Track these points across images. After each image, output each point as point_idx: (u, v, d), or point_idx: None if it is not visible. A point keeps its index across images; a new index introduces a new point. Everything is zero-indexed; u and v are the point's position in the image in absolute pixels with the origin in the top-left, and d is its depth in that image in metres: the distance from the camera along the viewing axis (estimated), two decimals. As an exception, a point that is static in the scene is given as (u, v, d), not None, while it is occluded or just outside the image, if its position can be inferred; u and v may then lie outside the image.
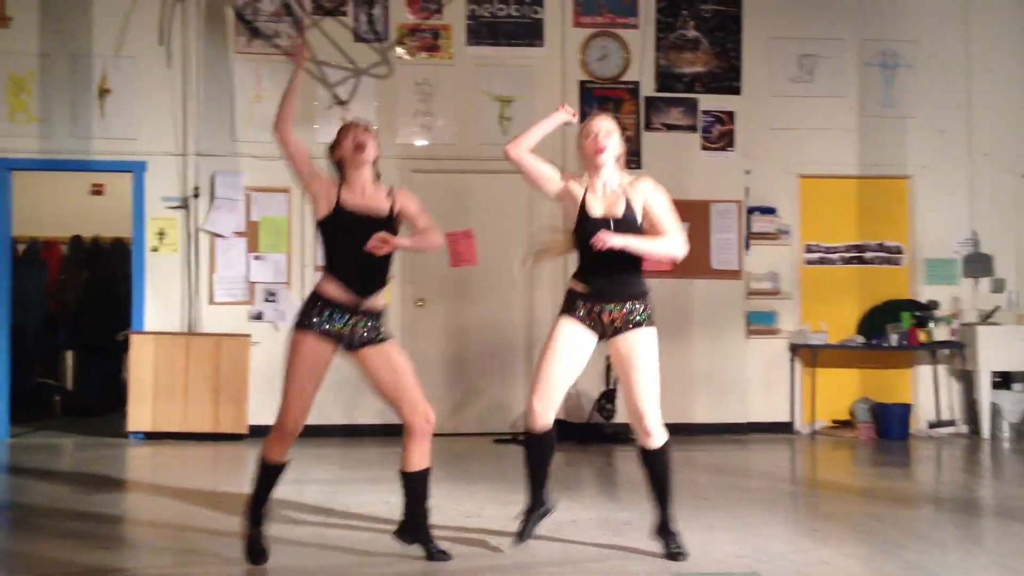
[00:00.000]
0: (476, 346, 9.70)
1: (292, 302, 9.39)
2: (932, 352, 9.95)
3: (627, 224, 4.86)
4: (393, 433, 9.20)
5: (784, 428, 9.91)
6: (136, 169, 9.48)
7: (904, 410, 9.74)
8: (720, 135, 9.95)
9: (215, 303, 9.43)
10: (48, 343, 11.60)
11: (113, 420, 9.80)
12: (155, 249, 9.45)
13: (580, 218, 4.89)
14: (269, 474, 4.88)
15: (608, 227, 4.80)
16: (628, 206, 4.89)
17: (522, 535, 5.00)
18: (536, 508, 5.06)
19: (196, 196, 9.47)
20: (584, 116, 9.52)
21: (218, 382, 9.14)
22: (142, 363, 9.13)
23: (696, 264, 9.70)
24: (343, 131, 4.96)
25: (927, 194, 10.19)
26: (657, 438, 4.91)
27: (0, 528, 5.89)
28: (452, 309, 9.74)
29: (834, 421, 10.02)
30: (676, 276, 9.68)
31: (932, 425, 9.92)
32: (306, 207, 9.27)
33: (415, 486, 4.93)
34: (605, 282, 4.88)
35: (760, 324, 9.92)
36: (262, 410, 9.25)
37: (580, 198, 4.91)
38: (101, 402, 11.36)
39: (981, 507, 6.53)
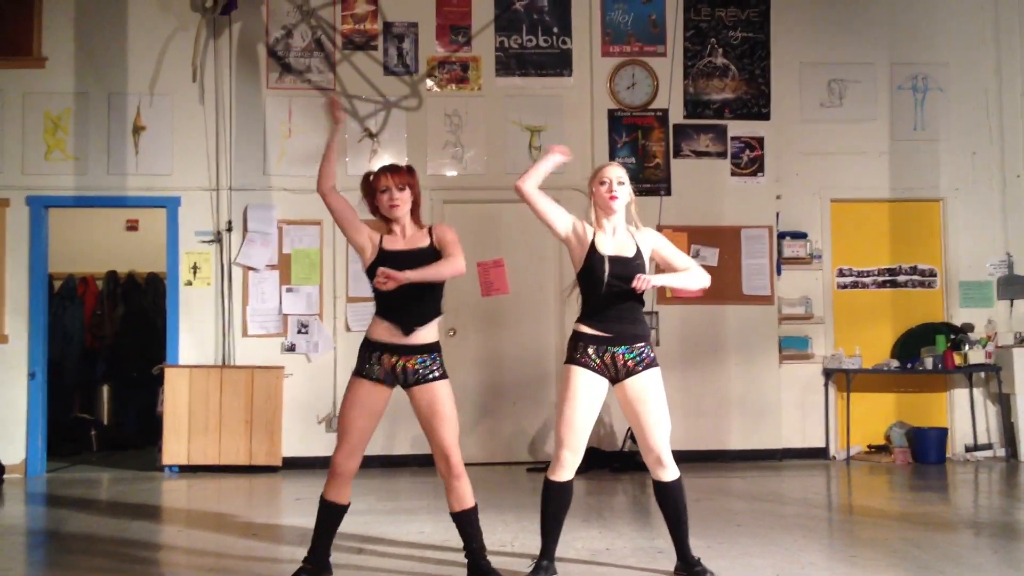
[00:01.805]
0: (508, 375, 9.71)
1: (324, 334, 9.46)
2: (968, 375, 9.87)
3: (636, 265, 4.92)
4: (429, 463, 9.27)
5: (819, 454, 9.85)
6: (170, 204, 9.60)
7: (940, 434, 9.65)
8: (750, 161, 9.95)
9: (248, 336, 9.50)
10: (85, 377, 11.73)
11: (149, 453, 9.88)
12: (189, 283, 9.55)
13: (590, 258, 4.93)
14: (322, 510, 4.95)
15: (621, 265, 4.87)
16: (637, 249, 4.97)
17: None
18: (550, 559, 5.01)
19: (229, 230, 9.57)
20: (612, 144, 9.76)
21: (252, 414, 9.20)
22: (177, 396, 9.21)
23: (727, 290, 9.71)
24: (377, 180, 4.98)
25: (960, 216, 10.15)
26: (672, 470, 5.01)
27: (39, 561, 5.94)
28: (484, 338, 9.76)
29: (869, 446, 9.94)
30: (708, 302, 9.69)
31: (969, 449, 9.82)
32: (338, 239, 9.37)
33: (460, 526, 4.99)
34: (618, 324, 4.92)
35: (793, 349, 9.88)
36: (296, 442, 9.35)
37: (590, 240, 4.97)
38: (137, 435, 11.48)
39: (1020, 531, 6.44)
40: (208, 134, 9.65)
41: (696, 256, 9.67)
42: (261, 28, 9.72)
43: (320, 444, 9.31)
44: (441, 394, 4.90)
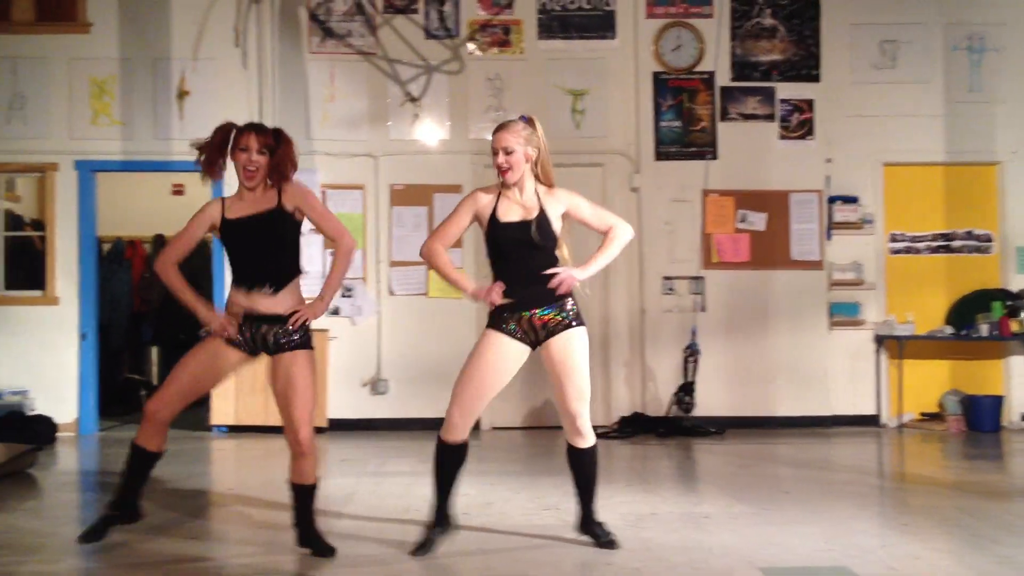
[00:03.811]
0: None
1: (368, 297, 9.47)
2: (1024, 342, 9.68)
3: (543, 225, 4.74)
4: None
5: (870, 421, 9.70)
6: (215, 169, 9.59)
7: (995, 402, 9.48)
8: (799, 123, 9.77)
9: (293, 299, 9.50)
10: (134, 339, 11.87)
11: (197, 414, 9.93)
12: (234, 247, 9.54)
13: (492, 226, 4.76)
14: (132, 455, 4.86)
15: (525, 229, 4.71)
16: (541, 211, 4.77)
17: (422, 548, 4.81)
18: (442, 524, 4.91)
19: (273, 194, 9.55)
20: (657, 107, 9.64)
21: (297, 377, 9.20)
22: (223, 359, 9.24)
23: (776, 255, 9.60)
24: (239, 137, 4.78)
25: (1017, 180, 9.90)
26: (588, 438, 4.88)
27: (90, 519, 5.97)
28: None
29: (922, 414, 9.78)
30: (756, 268, 9.59)
31: (1024, 417, 9.66)
32: (380, 204, 9.39)
33: (295, 496, 4.86)
34: (530, 287, 4.73)
35: (843, 315, 9.72)
36: (341, 404, 9.39)
37: (491, 207, 4.79)
38: (185, 397, 11.57)
39: (1078, 501, 6.31)
40: (251, 99, 9.62)
41: (743, 221, 9.56)
42: (303, -9, 9.68)
43: (365, 406, 9.38)
44: (298, 363, 4.68)
